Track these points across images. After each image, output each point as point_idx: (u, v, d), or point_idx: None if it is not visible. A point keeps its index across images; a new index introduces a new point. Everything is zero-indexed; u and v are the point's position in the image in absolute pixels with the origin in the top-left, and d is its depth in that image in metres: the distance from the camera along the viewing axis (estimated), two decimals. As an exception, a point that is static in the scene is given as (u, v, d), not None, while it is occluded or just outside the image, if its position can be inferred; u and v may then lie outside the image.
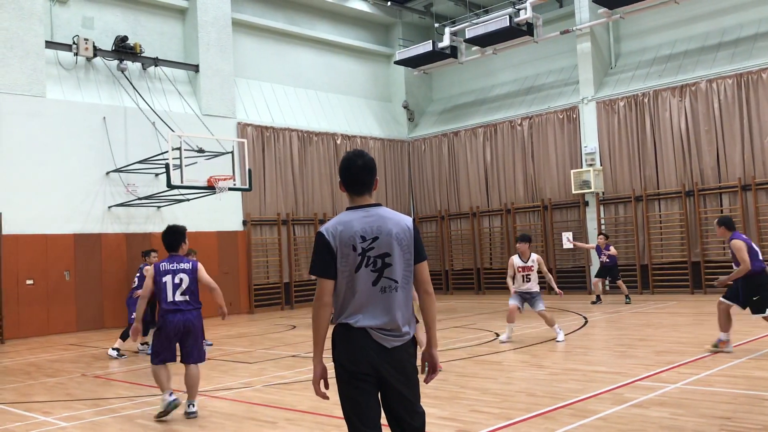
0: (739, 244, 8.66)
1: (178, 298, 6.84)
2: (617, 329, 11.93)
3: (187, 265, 6.94)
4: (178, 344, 6.90)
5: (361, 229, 3.46)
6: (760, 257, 8.72)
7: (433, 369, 3.63)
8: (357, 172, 3.57)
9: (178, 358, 6.90)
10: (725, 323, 8.72)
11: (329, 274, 3.44)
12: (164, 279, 6.85)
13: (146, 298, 6.99)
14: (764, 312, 8.55)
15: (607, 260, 15.93)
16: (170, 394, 6.72)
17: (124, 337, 11.25)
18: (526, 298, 10.86)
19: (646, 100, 18.28)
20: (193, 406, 6.82)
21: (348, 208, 3.58)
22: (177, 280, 6.86)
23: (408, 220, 3.60)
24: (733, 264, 8.87)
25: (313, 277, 3.48)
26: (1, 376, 10.25)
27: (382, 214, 3.54)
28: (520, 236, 11.30)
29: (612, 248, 16.04)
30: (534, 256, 11.03)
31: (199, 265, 7.06)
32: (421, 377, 3.60)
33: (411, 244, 3.54)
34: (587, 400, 6.56)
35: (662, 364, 8.08)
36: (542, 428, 5.66)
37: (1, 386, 9.27)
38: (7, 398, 8.35)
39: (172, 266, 6.90)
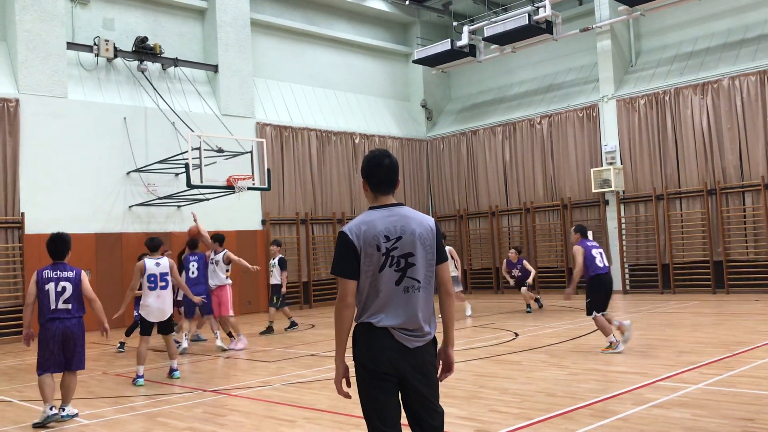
0: (576, 249, 9.51)
1: (60, 306, 6.85)
2: (638, 329, 11.80)
3: (70, 274, 6.96)
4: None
5: (385, 229, 3.44)
6: (598, 263, 9.38)
7: (448, 368, 3.64)
8: (386, 171, 3.55)
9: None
10: (605, 328, 9.28)
11: (352, 274, 3.42)
12: (47, 287, 6.86)
13: (30, 306, 6.92)
14: (591, 314, 9.30)
15: (520, 274, 15.48)
16: (51, 408, 6.71)
17: (128, 333, 12.45)
18: None
19: (667, 98, 18.09)
20: (64, 410, 6.87)
21: (371, 208, 3.57)
22: (60, 288, 6.86)
23: (431, 221, 3.59)
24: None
25: (333, 276, 3.47)
26: (25, 373, 10.38)
27: (405, 213, 3.53)
28: None
29: (525, 262, 15.62)
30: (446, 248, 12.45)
31: (83, 275, 7.05)
32: None
33: (434, 244, 3.53)
34: (607, 400, 6.50)
35: (684, 365, 8.00)
36: (562, 428, 5.62)
37: (24, 384, 9.39)
38: (30, 396, 8.45)
39: (56, 274, 6.91)
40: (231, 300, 12.01)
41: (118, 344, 12.38)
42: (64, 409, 6.87)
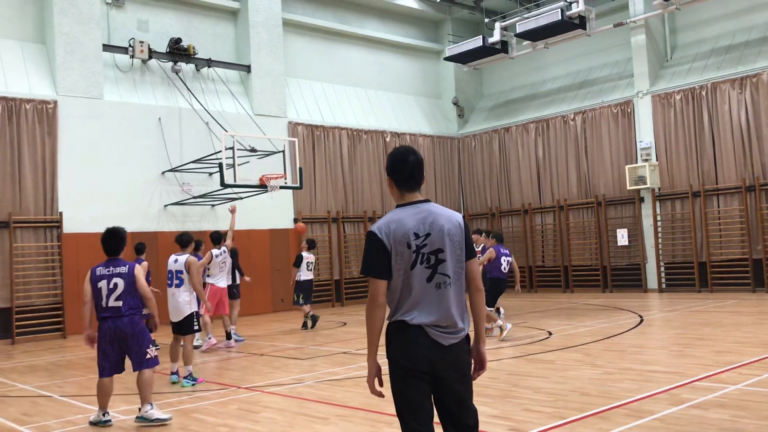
0: (490, 250, 11.15)
1: (111, 303, 6.54)
2: (674, 328, 11.64)
3: (123, 269, 6.61)
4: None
5: (414, 226, 3.43)
6: (503, 269, 11.15)
7: (480, 365, 3.62)
8: (411, 168, 3.53)
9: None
10: (491, 318, 10.75)
11: (383, 274, 3.40)
12: (99, 284, 6.59)
13: (88, 304, 6.68)
14: (491, 306, 10.99)
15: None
16: (104, 414, 6.58)
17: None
18: None
19: (703, 93, 17.75)
20: (140, 410, 6.63)
21: (398, 206, 3.55)
22: (111, 285, 6.56)
23: (458, 217, 3.57)
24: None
25: (362, 276, 3.47)
26: (64, 369, 10.60)
27: (432, 210, 3.51)
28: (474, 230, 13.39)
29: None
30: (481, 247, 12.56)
31: (138, 270, 6.66)
32: None
33: (462, 240, 3.51)
34: (643, 400, 6.41)
35: (722, 365, 7.85)
36: (596, 428, 5.56)
37: (64, 380, 9.59)
38: (70, 391, 8.63)
39: (108, 270, 6.61)
40: (205, 299, 11.50)
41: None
42: (141, 409, 6.66)
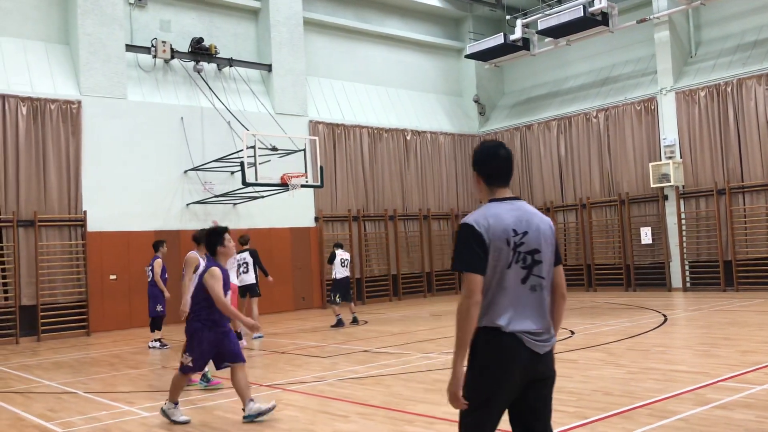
0: None
1: None
2: (699, 328, 11.50)
3: (201, 269, 6.63)
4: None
5: (513, 223, 3.20)
6: None
7: None
8: (503, 162, 3.37)
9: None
10: None
11: (481, 269, 3.13)
12: None
13: None
14: None
15: None
16: (250, 401, 6.44)
17: (153, 328, 12.48)
18: None
19: (728, 90, 17.51)
20: (165, 404, 6.59)
21: (491, 200, 3.34)
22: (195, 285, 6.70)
23: (549, 219, 3.39)
24: None
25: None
26: (88, 366, 10.72)
27: (527, 208, 3.32)
28: None
29: None
30: None
31: (210, 273, 6.40)
32: None
33: (554, 243, 3.32)
34: (667, 400, 6.34)
35: (748, 365, 7.73)
36: (619, 428, 5.50)
37: (88, 377, 9.70)
38: (94, 388, 8.72)
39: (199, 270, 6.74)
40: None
41: (159, 344, 12.28)
42: (164, 404, 6.64)
